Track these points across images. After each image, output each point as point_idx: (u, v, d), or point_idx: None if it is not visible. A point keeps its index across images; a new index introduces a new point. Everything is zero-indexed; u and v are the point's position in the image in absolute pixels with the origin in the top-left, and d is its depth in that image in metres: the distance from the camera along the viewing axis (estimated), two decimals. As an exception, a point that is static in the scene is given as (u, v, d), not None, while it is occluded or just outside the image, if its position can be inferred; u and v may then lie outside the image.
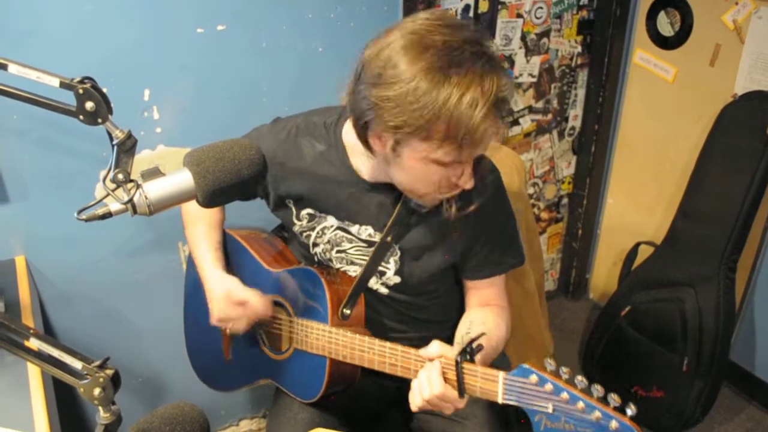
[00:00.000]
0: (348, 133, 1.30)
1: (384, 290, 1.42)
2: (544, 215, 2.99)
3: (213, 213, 1.53)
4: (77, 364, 0.87)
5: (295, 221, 1.42)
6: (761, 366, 2.52)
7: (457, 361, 1.15)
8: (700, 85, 2.41)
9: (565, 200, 3.02)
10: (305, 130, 1.37)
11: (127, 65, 1.69)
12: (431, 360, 1.20)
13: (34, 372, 1.32)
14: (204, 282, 1.46)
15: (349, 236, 1.38)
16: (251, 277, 1.50)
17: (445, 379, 1.17)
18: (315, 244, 1.43)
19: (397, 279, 1.39)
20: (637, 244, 2.63)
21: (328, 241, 1.41)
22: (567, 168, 2.93)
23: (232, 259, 1.56)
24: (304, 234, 1.43)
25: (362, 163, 1.31)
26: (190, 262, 1.64)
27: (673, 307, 2.34)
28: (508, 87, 1.06)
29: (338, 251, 1.41)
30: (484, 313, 1.40)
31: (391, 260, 1.37)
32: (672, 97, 2.53)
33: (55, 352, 0.86)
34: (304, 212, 1.41)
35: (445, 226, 1.33)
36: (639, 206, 2.81)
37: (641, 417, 1.02)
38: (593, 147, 2.84)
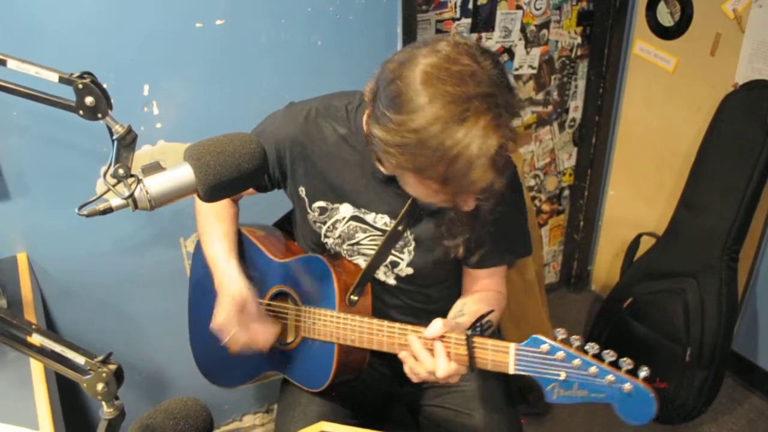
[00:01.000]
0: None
1: (392, 281, 1.42)
2: (546, 207, 2.99)
3: (226, 207, 1.51)
4: (80, 360, 0.86)
5: (309, 210, 1.42)
6: (764, 356, 2.52)
7: (467, 336, 1.16)
8: (701, 75, 2.40)
9: (566, 192, 3.02)
10: (325, 112, 1.37)
11: (127, 60, 1.69)
12: (434, 339, 1.20)
13: (37, 368, 1.32)
14: (217, 275, 1.42)
15: (364, 225, 1.38)
16: (258, 269, 1.50)
17: (452, 354, 1.18)
18: (326, 236, 1.43)
19: (410, 270, 1.40)
20: (639, 236, 2.63)
21: (339, 236, 1.41)
22: (568, 160, 2.93)
23: (239, 253, 1.55)
24: (317, 224, 1.43)
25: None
26: (196, 255, 1.64)
27: (676, 298, 2.34)
28: (511, 138, 1.06)
29: (349, 245, 1.41)
30: (480, 296, 1.42)
31: (405, 251, 1.38)
32: (672, 88, 2.53)
33: (58, 348, 0.86)
34: (316, 205, 1.40)
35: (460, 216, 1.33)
36: (640, 197, 2.81)
37: (651, 381, 1.03)
38: (594, 138, 2.84)
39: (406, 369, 1.23)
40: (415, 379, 1.23)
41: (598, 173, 2.92)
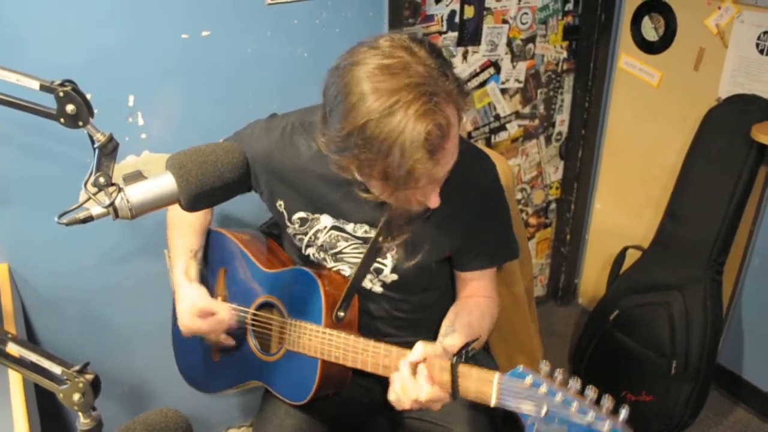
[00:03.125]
0: None
1: (379, 289, 1.42)
2: (533, 221, 3.00)
3: (194, 218, 1.51)
4: (56, 369, 0.86)
5: (288, 224, 1.42)
6: (749, 369, 2.53)
7: (452, 365, 1.14)
8: (685, 89, 2.43)
9: (553, 205, 3.03)
10: (300, 128, 1.38)
11: (112, 71, 1.68)
12: (418, 363, 1.19)
13: (15, 378, 1.30)
14: (175, 291, 1.46)
15: (345, 234, 1.38)
16: (247, 278, 1.50)
17: (436, 380, 1.17)
18: (308, 246, 1.43)
19: (395, 276, 1.40)
20: (625, 248, 2.64)
21: (322, 245, 1.41)
22: (554, 173, 2.94)
23: (227, 259, 1.55)
24: (297, 237, 1.43)
25: None
26: None
27: (661, 311, 2.34)
28: (441, 125, 1.04)
29: (332, 254, 1.41)
30: (470, 304, 1.42)
31: (389, 255, 1.38)
32: (657, 101, 2.55)
33: (34, 357, 0.85)
34: (296, 216, 1.40)
35: (441, 220, 1.34)
36: (627, 210, 2.82)
37: (630, 421, 1.02)
38: (580, 152, 2.85)
39: (391, 394, 1.21)
40: (398, 406, 1.21)
41: (585, 186, 2.93)
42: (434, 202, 1.18)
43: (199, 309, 1.39)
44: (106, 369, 1.98)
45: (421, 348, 1.19)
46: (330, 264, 1.43)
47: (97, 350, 1.97)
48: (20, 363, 0.88)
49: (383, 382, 1.27)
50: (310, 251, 1.43)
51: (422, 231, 1.35)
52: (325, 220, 1.39)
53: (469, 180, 1.31)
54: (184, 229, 1.52)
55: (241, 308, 1.49)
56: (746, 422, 2.50)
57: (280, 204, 1.41)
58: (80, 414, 0.89)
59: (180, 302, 1.42)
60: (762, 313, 2.43)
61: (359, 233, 1.37)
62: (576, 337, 2.82)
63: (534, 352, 2.14)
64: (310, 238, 1.41)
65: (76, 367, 0.87)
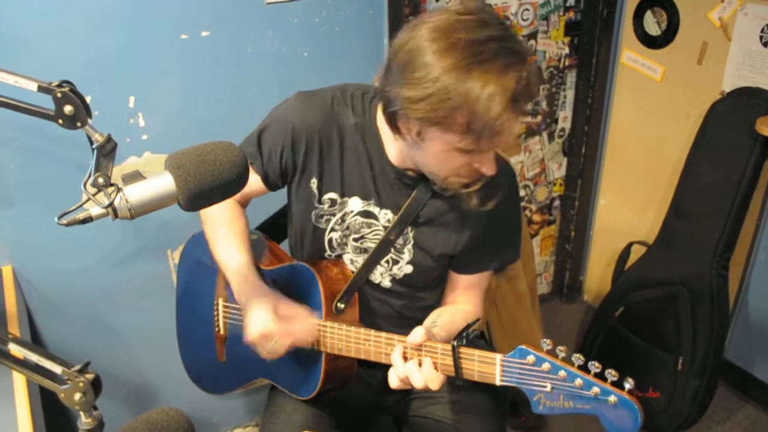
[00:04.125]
0: (379, 115, 1.30)
1: (387, 283, 1.42)
2: (536, 218, 2.99)
3: (234, 210, 1.46)
4: (57, 369, 0.85)
5: (317, 204, 1.40)
6: (757, 365, 2.51)
7: (453, 346, 1.15)
8: (688, 84, 2.42)
9: (557, 202, 3.02)
10: (342, 99, 1.36)
11: (112, 72, 1.69)
12: (420, 345, 1.19)
13: (19, 379, 1.31)
14: (243, 292, 1.35)
15: (370, 220, 1.38)
16: None
17: (435, 364, 1.18)
18: (333, 230, 1.41)
19: (409, 269, 1.40)
20: (630, 244, 2.63)
21: (348, 227, 1.40)
22: (558, 170, 2.93)
23: None
24: (324, 218, 1.40)
25: (390, 147, 1.31)
26: (182, 261, 1.63)
27: (667, 307, 2.34)
28: (527, 80, 1.07)
29: (355, 238, 1.41)
30: (454, 308, 1.43)
31: (405, 249, 1.38)
32: (661, 96, 2.54)
33: (34, 357, 0.85)
34: (326, 197, 1.39)
35: (459, 218, 1.35)
36: (631, 206, 2.81)
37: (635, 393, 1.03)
38: (584, 148, 2.84)
39: (393, 381, 1.21)
40: (393, 384, 1.21)
41: (589, 183, 2.92)
42: (493, 168, 1.19)
43: (282, 312, 1.30)
44: (109, 369, 1.99)
45: (421, 331, 1.19)
46: (350, 251, 1.41)
47: (100, 351, 1.98)
48: (21, 363, 0.88)
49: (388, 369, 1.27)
50: (334, 235, 1.41)
51: (443, 225, 1.36)
52: (353, 204, 1.37)
53: (495, 182, 1.31)
54: (231, 223, 1.44)
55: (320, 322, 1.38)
56: (754, 418, 2.48)
57: (314, 182, 1.37)
58: (82, 413, 0.89)
59: (257, 305, 1.30)
60: (769, 308, 2.41)
61: (383, 221, 1.37)
62: (581, 334, 2.81)
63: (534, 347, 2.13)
64: (337, 221, 1.40)
65: (77, 367, 0.86)
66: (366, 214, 1.38)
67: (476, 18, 1.08)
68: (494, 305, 1.97)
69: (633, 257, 2.59)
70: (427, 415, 1.48)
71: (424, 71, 1.07)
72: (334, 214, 1.40)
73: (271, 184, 1.41)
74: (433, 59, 1.06)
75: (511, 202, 1.41)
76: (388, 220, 1.37)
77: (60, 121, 0.98)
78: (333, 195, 1.38)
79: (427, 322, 1.35)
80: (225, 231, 1.42)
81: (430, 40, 1.07)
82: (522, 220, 1.49)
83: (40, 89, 0.97)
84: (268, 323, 1.28)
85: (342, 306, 1.38)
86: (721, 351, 2.32)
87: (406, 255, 1.39)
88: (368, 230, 1.39)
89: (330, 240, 1.43)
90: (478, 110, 1.05)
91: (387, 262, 1.40)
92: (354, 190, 1.37)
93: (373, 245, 1.39)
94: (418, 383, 1.17)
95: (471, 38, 1.05)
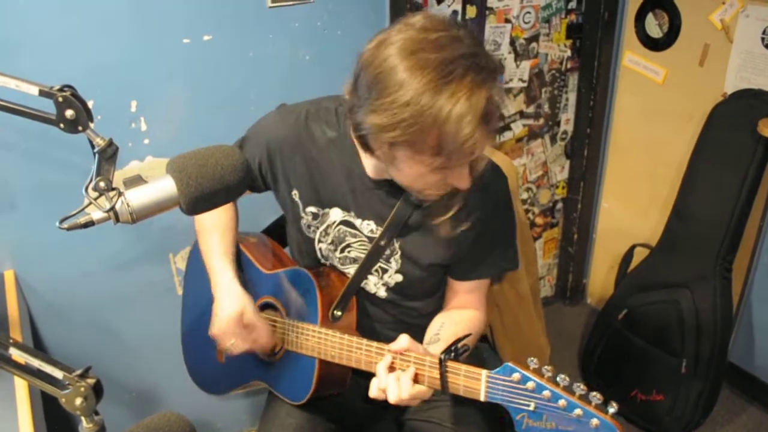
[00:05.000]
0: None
1: (383, 293, 1.41)
2: (539, 220, 2.99)
3: (227, 218, 1.49)
4: (58, 374, 0.86)
5: (302, 215, 1.41)
6: (761, 367, 2.50)
7: (440, 359, 1.15)
8: (690, 86, 2.41)
9: (559, 205, 3.01)
10: (316, 115, 1.36)
11: (114, 76, 1.69)
12: (402, 352, 1.20)
13: (20, 384, 1.31)
14: (216, 290, 1.41)
15: (353, 230, 1.38)
16: (247, 280, 1.49)
17: (422, 376, 1.18)
18: (320, 241, 1.42)
19: (399, 277, 1.39)
20: (633, 247, 2.62)
21: (332, 241, 1.40)
22: (560, 172, 2.93)
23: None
24: (311, 228, 1.42)
25: (366, 159, 1.30)
26: (192, 259, 1.63)
27: (670, 309, 2.33)
28: (496, 99, 1.06)
29: (341, 249, 1.40)
30: (457, 317, 1.41)
31: (392, 259, 1.37)
32: (662, 99, 2.54)
33: (36, 362, 0.85)
34: (309, 209, 1.39)
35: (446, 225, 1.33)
36: (633, 209, 2.81)
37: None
38: (586, 151, 2.84)
39: (372, 384, 1.22)
40: (372, 393, 1.22)
41: (591, 185, 2.92)
42: (467, 183, 1.17)
43: (249, 321, 1.36)
44: (112, 374, 1.99)
45: (405, 338, 1.20)
46: (337, 263, 1.42)
47: (103, 355, 1.97)
48: (23, 368, 0.88)
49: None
50: (322, 246, 1.42)
51: (430, 233, 1.34)
52: (335, 215, 1.38)
53: (486, 189, 1.31)
54: (223, 230, 1.48)
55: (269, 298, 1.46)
56: (759, 420, 2.47)
57: (295, 193, 1.39)
58: (83, 418, 0.89)
59: (224, 303, 1.37)
60: (773, 310, 2.41)
61: (365, 231, 1.37)
62: (585, 336, 2.81)
63: (541, 351, 2.13)
64: (322, 233, 1.40)
65: (78, 372, 0.87)
66: (348, 223, 1.38)
67: (447, 35, 1.05)
68: (497, 308, 1.96)
69: (636, 260, 2.58)
70: (426, 419, 1.47)
71: (393, 95, 1.04)
72: (318, 227, 1.41)
73: (257, 189, 1.45)
74: (403, 79, 1.03)
75: (501, 210, 1.39)
76: (372, 231, 1.36)
77: (61, 125, 0.98)
78: (313, 209, 1.39)
79: (429, 336, 1.35)
80: (210, 221, 1.47)
81: (401, 58, 1.04)
82: (517, 224, 1.46)
83: (42, 93, 0.97)
84: (231, 326, 1.35)
85: (339, 313, 1.38)
86: (724, 353, 2.31)
87: (394, 264, 1.38)
88: (353, 240, 1.39)
89: (319, 249, 1.43)
90: (448, 131, 1.03)
91: (377, 271, 1.39)
92: (333, 201, 1.37)
93: (360, 255, 1.39)
94: (393, 393, 1.17)
95: (441, 57, 1.03)
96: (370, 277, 1.40)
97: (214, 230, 1.48)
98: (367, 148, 1.18)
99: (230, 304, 1.37)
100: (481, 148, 1.10)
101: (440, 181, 1.17)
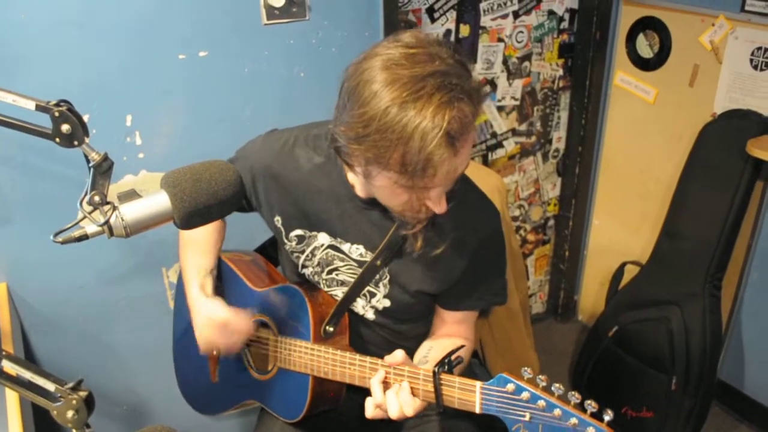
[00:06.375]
0: None
1: (371, 316, 1.41)
2: (531, 237, 3.00)
3: (207, 236, 1.50)
4: (50, 386, 0.86)
5: (285, 241, 1.42)
6: (750, 385, 2.51)
7: (434, 372, 1.15)
8: (680, 105, 2.44)
9: (551, 222, 3.03)
10: (303, 141, 1.37)
11: (109, 91, 1.70)
12: (395, 366, 1.20)
13: (12, 396, 1.30)
14: (190, 310, 1.43)
15: (341, 255, 1.38)
16: (238, 298, 1.49)
17: (416, 390, 1.18)
18: (304, 266, 1.42)
19: (387, 302, 1.39)
20: (623, 264, 2.64)
21: (318, 264, 1.40)
22: (552, 190, 2.95)
23: (220, 280, 1.55)
24: (294, 254, 1.43)
25: (352, 178, 1.31)
26: (181, 281, 1.63)
27: (660, 327, 2.34)
28: (465, 120, 1.04)
29: (329, 272, 1.40)
30: (445, 343, 1.39)
31: (381, 284, 1.37)
32: (653, 118, 2.57)
33: (27, 374, 0.86)
34: (293, 234, 1.40)
35: (441, 255, 1.32)
36: (624, 226, 2.83)
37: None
38: (577, 168, 2.87)
39: (367, 403, 1.22)
40: (368, 413, 1.21)
41: (583, 203, 2.94)
42: (442, 207, 1.16)
43: (220, 320, 1.35)
44: (103, 387, 1.99)
45: (401, 353, 1.20)
46: (324, 285, 1.42)
47: (94, 368, 1.97)
48: (14, 380, 0.88)
49: None
50: (306, 271, 1.43)
51: (420, 262, 1.34)
52: (322, 238, 1.38)
53: (474, 224, 1.31)
54: (200, 249, 1.49)
55: (260, 316, 1.47)
56: (748, 438, 2.48)
57: (278, 219, 1.40)
58: (74, 431, 0.89)
59: (198, 315, 1.38)
60: (762, 327, 2.42)
61: (354, 255, 1.37)
62: (576, 353, 2.82)
63: (531, 367, 2.13)
64: (307, 256, 1.41)
65: (70, 384, 0.87)
66: (335, 248, 1.38)
67: (425, 51, 1.05)
68: (487, 323, 1.98)
69: (626, 277, 2.60)
70: None
71: (364, 107, 1.04)
72: (303, 251, 1.41)
73: (243, 209, 1.46)
74: (376, 91, 1.04)
75: (492, 245, 1.38)
76: (361, 255, 1.36)
77: (57, 139, 0.99)
78: (299, 231, 1.39)
79: (419, 356, 1.34)
80: (188, 236, 1.50)
81: (379, 71, 1.04)
82: (506, 262, 1.46)
83: (38, 108, 0.98)
84: (211, 337, 1.37)
85: (331, 329, 1.38)
86: (714, 371, 2.33)
87: (382, 289, 1.37)
88: (341, 264, 1.38)
89: (304, 275, 1.44)
90: (411, 147, 1.02)
91: (365, 295, 1.39)
92: (320, 225, 1.37)
93: (348, 278, 1.39)
94: (393, 409, 1.17)
95: (414, 73, 1.02)
96: (358, 299, 1.40)
97: (193, 246, 1.50)
98: (346, 162, 1.18)
99: (200, 320, 1.38)
100: (447, 166, 1.07)
101: (414, 202, 1.15)
